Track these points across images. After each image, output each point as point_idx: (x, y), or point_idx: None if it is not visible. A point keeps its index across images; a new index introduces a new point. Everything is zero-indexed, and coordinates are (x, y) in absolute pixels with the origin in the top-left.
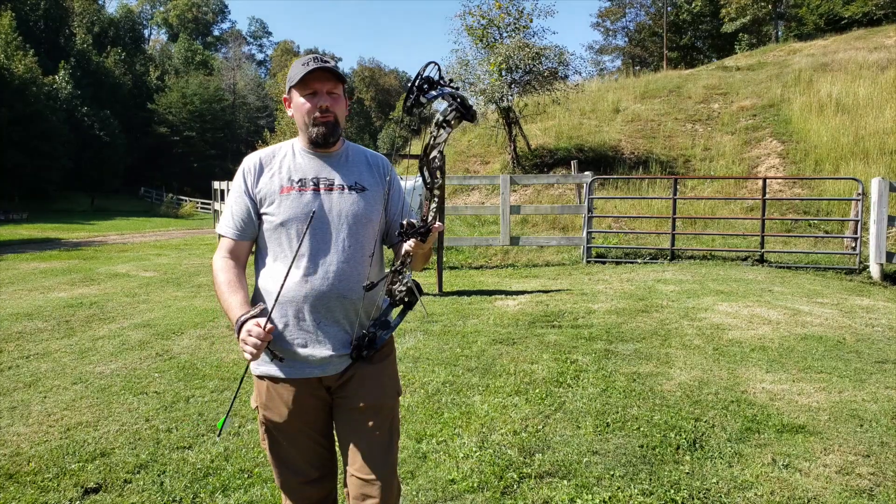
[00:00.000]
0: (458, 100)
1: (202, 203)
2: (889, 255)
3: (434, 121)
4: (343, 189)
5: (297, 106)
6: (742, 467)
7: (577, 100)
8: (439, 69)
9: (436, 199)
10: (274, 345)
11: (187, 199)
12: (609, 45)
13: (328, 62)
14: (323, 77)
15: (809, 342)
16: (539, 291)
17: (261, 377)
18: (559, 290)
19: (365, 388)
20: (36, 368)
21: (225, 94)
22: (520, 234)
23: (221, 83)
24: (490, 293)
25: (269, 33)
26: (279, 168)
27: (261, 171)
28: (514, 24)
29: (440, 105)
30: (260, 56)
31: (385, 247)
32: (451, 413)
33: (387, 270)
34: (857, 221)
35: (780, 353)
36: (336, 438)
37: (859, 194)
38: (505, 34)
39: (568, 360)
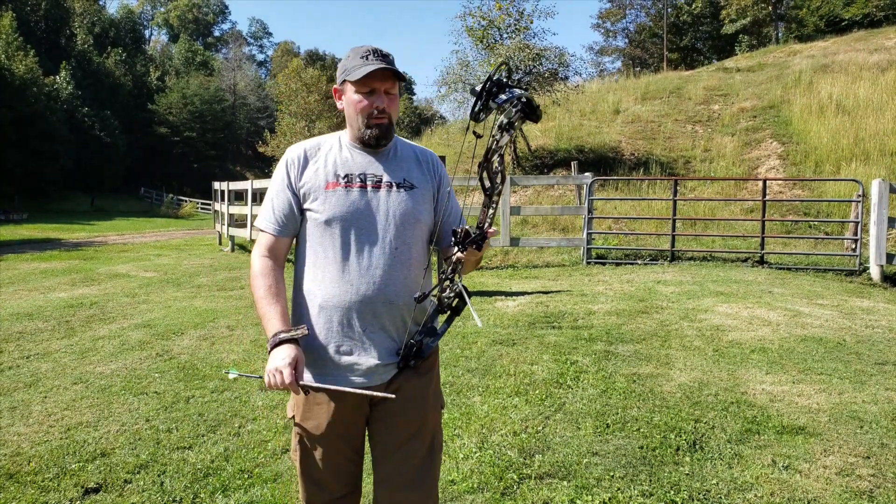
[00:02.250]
0: (524, 100)
1: (202, 203)
2: (889, 257)
3: (497, 123)
4: (391, 186)
5: (351, 102)
6: (742, 468)
7: (577, 101)
8: (509, 70)
9: (494, 206)
10: (317, 350)
11: (187, 199)
12: (609, 47)
13: (388, 57)
14: (383, 76)
15: (809, 344)
16: (539, 292)
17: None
18: (559, 291)
19: (409, 403)
20: (36, 368)
21: (225, 94)
22: (520, 234)
23: (222, 84)
24: (490, 294)
25: (270, 34)
26: (325, 162)
27: (305, 163)
28: (515, 25)
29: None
30: (260, 57)
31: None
32: (451, 414)
33: (435, 281)
34: (857, 223)
35: (780, 354)
36: (371, 451)
37: (859, 196)
38: (505, 35)
39: (568, 361)
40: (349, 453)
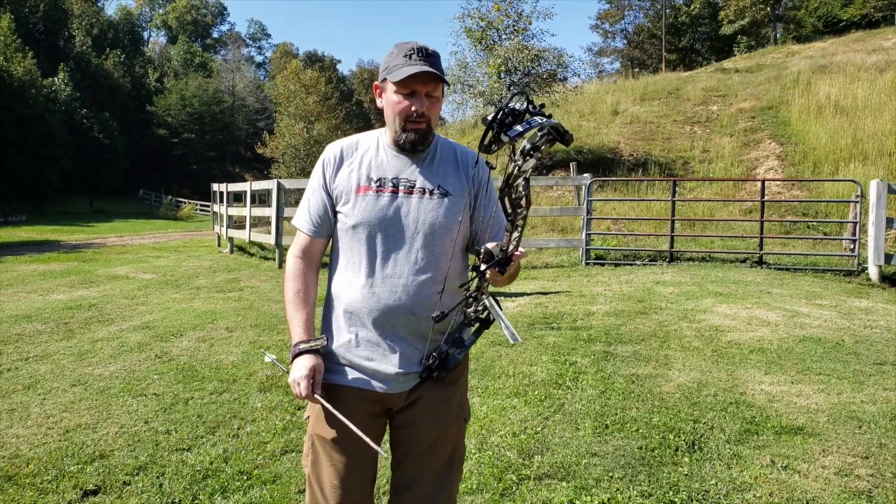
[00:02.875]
0: (552, 127)
1: (201, 205)
2: (887, 257)
3: (521, 148)
4: (424, 193)
5: (390, 103)
6: (741, 469)
7: (575, 102)
8: (528, 100)
9: (518, 230)
10: (339, 353)
11: (186, 201)
12: (608, 48)
13: (432, 57)
14: (426, 78)
15: (808, 344)
16: (538, 293)
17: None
18: (558, 292)
19: (431, 413)
20: (35, 370)
21: (224, 96)
22: None
23: (220, 85)
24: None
25: (269, 35)
26: (359, 163)
27: (340, 163)
28: (513, 26)
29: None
30: (259, 58)
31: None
32: None
33: (460, 297)
34: (855, 223)
35: (778, 354)
36: (391, 460)
37: (858, 196)
38: (504, 36)
39: (567, 362)
40: (361, 457)
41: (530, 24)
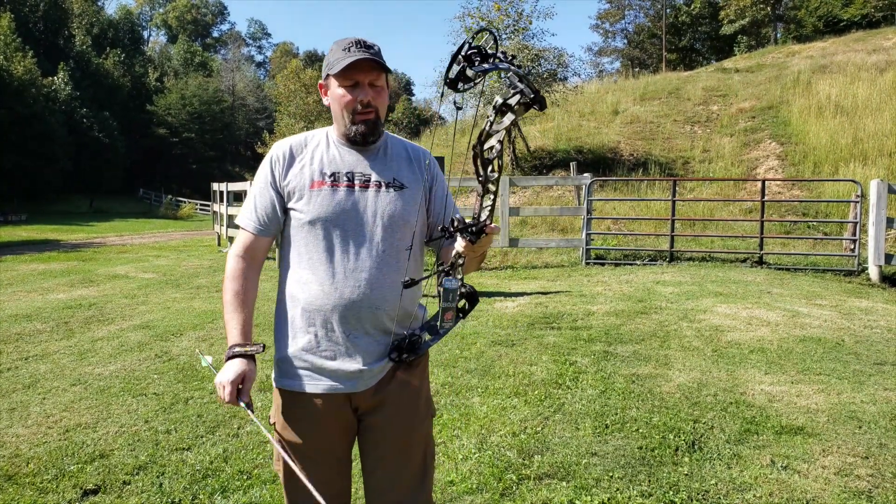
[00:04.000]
0: (524, 82)
1: (201, 204)
2: (888, 257)
3: (493, 104)
4: (380, 186)
5: (335, 97)
6: (741, 469)
7: (576, 101)
8: (496, 39)
9: (491, 196)
10: (300, 356)
11: (186, 200)
12: (608, 47)
13: (372, 48)
14: (366, 67)
15: (808, 344)
16: (538, 293)
17: (282, 391)
18: (558, 292)
19: (400, 417)
20: (35, 370)
21: (224, 95)
22: (519, 235)
23: (220, 85)
24: (489, 295)
25: (269, 35)
26: (311, 159)
27: (291, 161)
28: (514, 25)
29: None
30: (259, 57)
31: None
32: (451, 415)
33: (426, 273)
34: (855, 223)
35: (778, 354)
36: (361, 463)
37: (858, 196)
38: (504, 36)
39: (567, 362)
40: (334, 463)
41: (530, 23)
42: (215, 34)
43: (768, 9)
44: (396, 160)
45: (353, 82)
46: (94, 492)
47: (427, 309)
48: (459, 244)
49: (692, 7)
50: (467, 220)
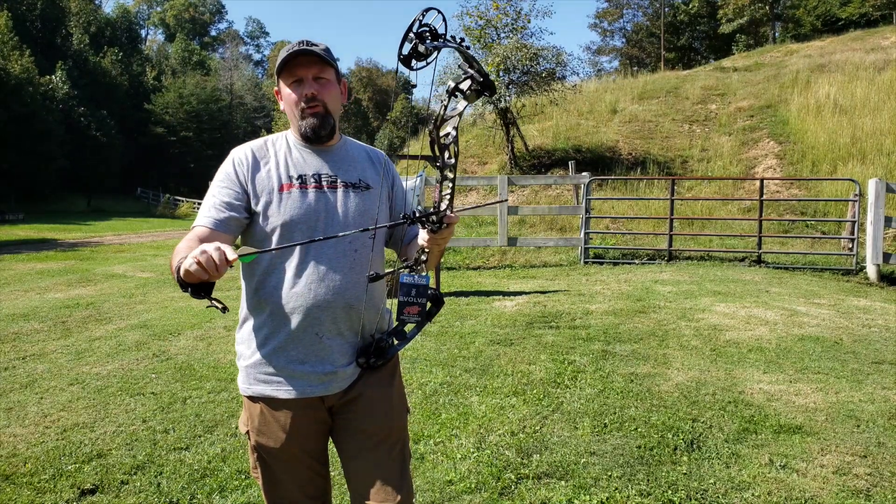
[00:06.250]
0: (475, 67)
1: (199, 204)
2: (886, 256)
3: (446, 88)
4: (347, 186)
5: (284, 96)
6: (739, 468)
7: (574, 100)
8: (444, 18)
9: (449, 184)
10: (270, 361)
11: (184, 199)
12: (606, 46)
13: (313, 45)
14: (306, 62)
15: (806, 343)
16: (537, 292)
17: (253, 398)
18: (557, 291)
19: (374, 412)
20: (32, 369)
21: (222, 94)
22: (517, 234)
23: (218, 83)
24: (488, 294)
25: (267, 33)
26: (276, 163)
27: (255, 164)
28: (512, 24)
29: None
30: (257, 56)
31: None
32: (449, 414)
33: (388, 270)
34: (853, 222)
35: (777, 353)
36: (341, 465)
37: (856, 195)
38: (503, 35)
39: (565, 361)
40: (314, 464)
41: (529, 22)
42: (213, 33)
43: (766, 8)
44: (359, 161)
45: (296, 78)
46: (92, 491)
47: (392, 312)
48: (422, 237)
49: (690, 6)
50: (426, 211)
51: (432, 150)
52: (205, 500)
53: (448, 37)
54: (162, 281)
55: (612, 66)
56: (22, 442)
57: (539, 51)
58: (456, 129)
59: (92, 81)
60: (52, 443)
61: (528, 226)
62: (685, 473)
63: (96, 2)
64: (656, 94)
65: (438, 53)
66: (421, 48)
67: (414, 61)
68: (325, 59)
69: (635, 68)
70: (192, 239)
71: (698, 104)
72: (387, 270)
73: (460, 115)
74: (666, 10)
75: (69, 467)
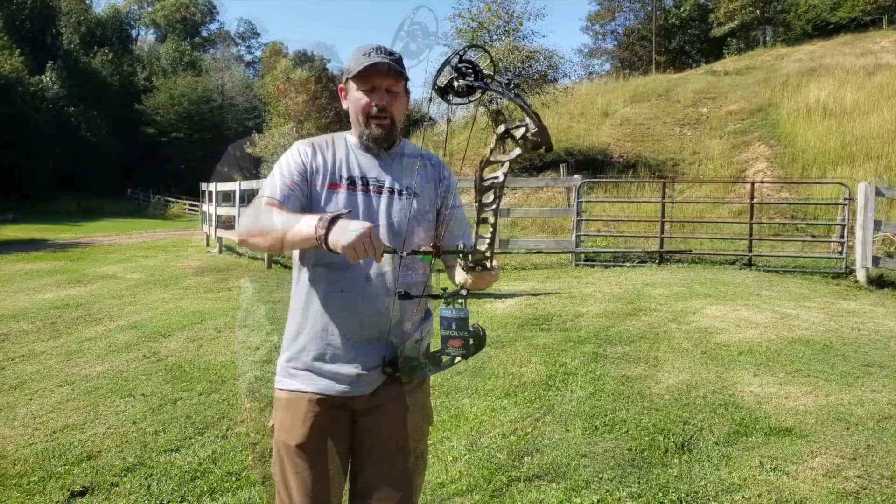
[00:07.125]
0: (530, 114)
1: (190, 204)
2: (875, 260)
3: (496, 131)
4: (393, 192)
5: (353, 100)
6: (730, 470)
7: (566, 103)
8: (492, 60)
9: (489, 228)
10: (300, 356)
11: (175, 200)
12: (599, 49)
13: (393, 54)
14: (384, 71)
15: (797, 346)
16: (528, 294)
17: (281, 390)
18: (549, 293)
19: (393, 419)
20: (21, 371)
21: (213, 95)
22: (509, 236)
23: (210, 84)
24: (479, 296)
25: (258, 34)
26: (333, 161)
27: (315, 157)
28: (505, 26)
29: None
30: (249, 57)
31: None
32: (441, 416)
33: (431, 292)
34: (843, 226)
35: (767, 356)
36: (350, 466)
37: (846, 199)
38: (495, 37)
39: (557, 363)
40: (331, 463)
41: (521, 24)
42: (205, 33)
43: (758, 11)
44: (411, 167)
45: (370, 86)
46: (82, 493)
47: (435, 334)
48: (461, 274)
49: (682, 9)
50: (469, 253)
51: (475, 188)
52: (195, 502)
53: (494, 79)
54: (152, 282)
55: (604, 68)
56: (11, 444)
57: (532, 53)
58: (505, 174)
59: (82, 82)
60: (42, 444)
61: (520, 228)
62: (676, 476)
63: (87, 1)
64: (648, 96)
65: (483, 94)
66: (456, 84)
67: (452, 96)
68: (400, 73)
69: (627, 71)
70: (267, 206)
71: (690, 107)
72: (413, 295)
73: (511, 161)
74: (657, 13)
75: (59, 469)
